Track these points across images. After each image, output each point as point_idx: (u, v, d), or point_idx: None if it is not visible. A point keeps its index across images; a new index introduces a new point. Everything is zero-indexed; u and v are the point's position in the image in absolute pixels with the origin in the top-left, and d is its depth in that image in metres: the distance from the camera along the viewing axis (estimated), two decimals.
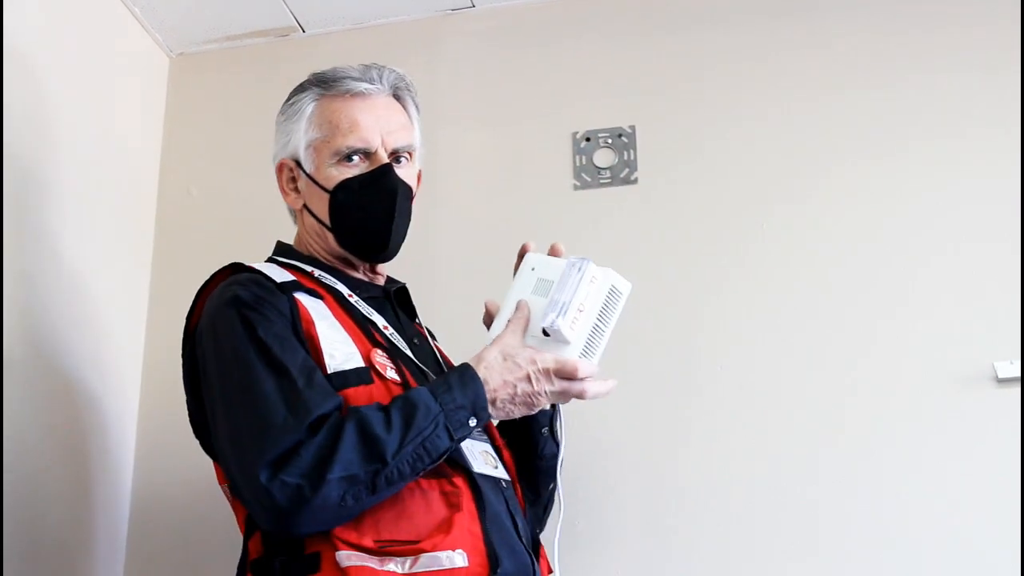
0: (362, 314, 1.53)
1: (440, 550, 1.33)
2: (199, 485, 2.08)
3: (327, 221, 1.59)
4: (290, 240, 1.67)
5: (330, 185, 1.58)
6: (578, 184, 2.15)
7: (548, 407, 1.54)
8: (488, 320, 1.56)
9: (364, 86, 1.60)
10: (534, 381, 1.42)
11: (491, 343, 1.46)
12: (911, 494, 1.85)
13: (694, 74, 2.17)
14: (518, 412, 1.45)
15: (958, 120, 2.02)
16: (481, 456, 1.50)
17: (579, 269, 1.46)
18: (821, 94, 2.10)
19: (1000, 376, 1.85)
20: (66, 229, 2.01)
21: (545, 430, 1.63)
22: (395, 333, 1.56)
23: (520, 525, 1.49)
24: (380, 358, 1.47)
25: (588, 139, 2.17)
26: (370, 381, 1.42)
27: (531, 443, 1.63)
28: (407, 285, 1.69)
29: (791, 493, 1.89)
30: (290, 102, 1.63)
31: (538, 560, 1.51)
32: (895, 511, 1.85)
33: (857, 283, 1.97)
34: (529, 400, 1.43)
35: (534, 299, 1.48)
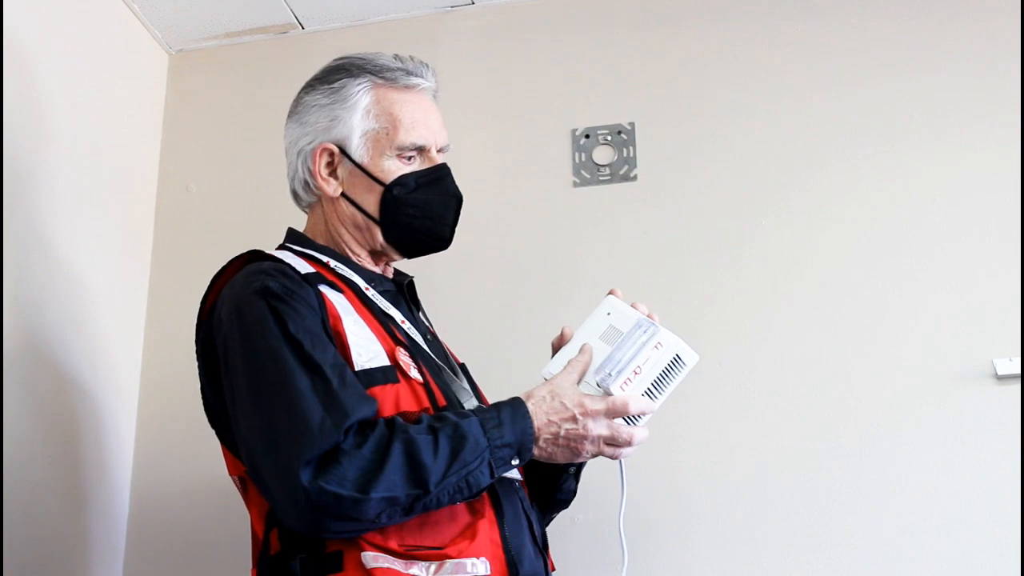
0: (380, 309, 1.51)
1: (465, 557, 1.33)
2: (198, 482, 2.08)
3: (375, 214, 1.56)
4: (295, 228, 1.63)
5: (388, 179, 1.55)
6: (577, 181, 2.15)
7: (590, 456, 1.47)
8: (557, 345, 1.54)
9: (420, 81, 1.59)
10: (580, 424, 1.40)
11: (545, 382, 1.44)
12: (911, 491, 1.85)
13: (693, 71, 2.17)
14: (560, 456, 1.42)
15: (958, 116, 2.02)
16: None
17: (645, 331, 1.45)
18: (820, 90, 2.09)
19: (999, 373, 1.85)
20: (64, 226, 2.00)
21: (573, 468, 1.61)
22: (412, 328, 1.54)
23: (534, 523, 1.49)
24: (403, 356, 1.45)
25: (587, 136, 2.17)
26: (396, 380, 1.41)
27: (553, 475, 1.60)
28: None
29: (790, 491, 1.89)
30: (333, 85, 1.57)
31: (547, 557, 1.52)
32: (895, 508, 1.84)
33: (856, 280, 1.97)
34: (573, 444, 1.41)
35: (600, 345, 1.46)
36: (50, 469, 1.89)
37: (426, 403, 1.43)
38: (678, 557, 1.90)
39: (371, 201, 1.56)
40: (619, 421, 1.42)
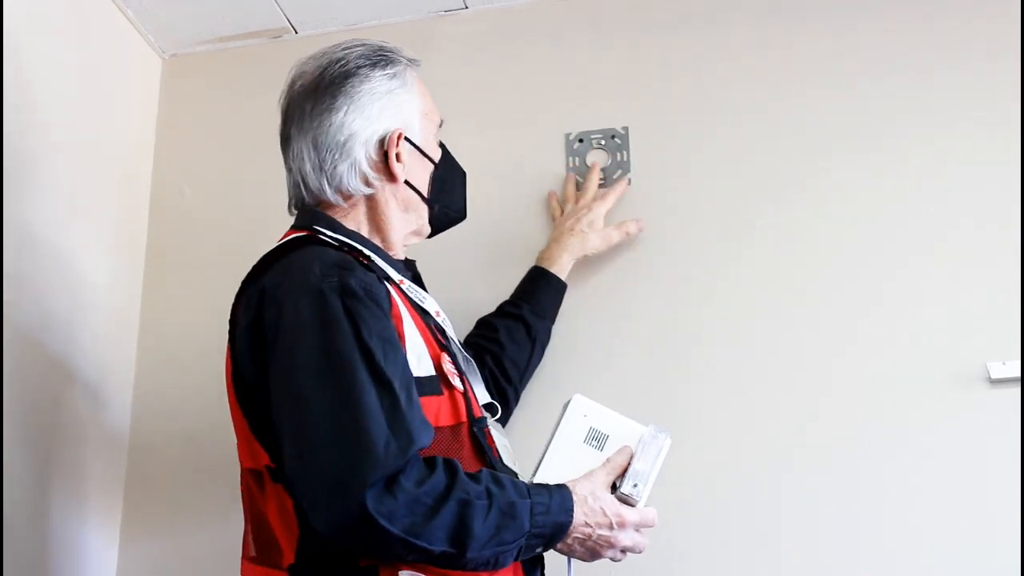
0: (419, 305, 1.51)
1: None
2: (193, 483, 2.08)
3: (426, 193, 1.60)
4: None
5: (437, 157, 1.62)
6: None
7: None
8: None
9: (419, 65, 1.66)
10: (613, 533, 1.42)
11: (583, 477, 1.44)
12: (904, 496, 1.84)
13: (688, 74, 2.17)
14: (580, 554, 1.43)
15: (953, 116, 2.01)
16: (503, 451, 1.51)
17: (661, 444, 1.49)
18: (815, 93, 2.09)
19: (993, 377, 1.84)
20: (59, 230, 2.00)
21: None
22: (447, 320, 1.55)
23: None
24: (448, 364, 1.45)
25: (581, 140, 2.17)
26: (440, 392, 1.41)
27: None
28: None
29: (783, 497, 1.88)
30: (388, 70, 1.57)
31: None
32: (889, 513, 1.84)
33: (850, 283, 1.97)
34: (598, 548, 1.42)
35: (587, 449, 1.49)
36: (46, 468, 1.89)
37: (463, 416, 1.43)
38: (673, 557, 1.89)
39: (424, 181, 1.61)
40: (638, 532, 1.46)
